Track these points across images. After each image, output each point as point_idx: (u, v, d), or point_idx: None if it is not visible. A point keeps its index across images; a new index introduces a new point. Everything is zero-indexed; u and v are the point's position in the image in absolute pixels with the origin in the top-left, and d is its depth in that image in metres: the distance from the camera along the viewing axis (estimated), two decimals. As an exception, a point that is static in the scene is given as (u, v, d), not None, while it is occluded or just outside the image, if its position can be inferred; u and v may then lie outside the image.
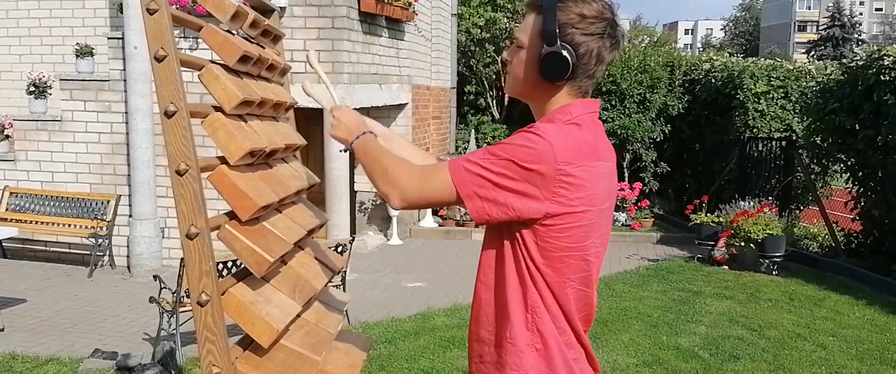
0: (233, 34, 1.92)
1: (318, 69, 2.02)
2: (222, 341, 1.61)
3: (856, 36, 58.76)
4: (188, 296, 4.69)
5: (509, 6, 12.54)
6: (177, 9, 1.69)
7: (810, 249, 8.37)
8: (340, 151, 1.86)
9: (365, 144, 1.75)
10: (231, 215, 1.74)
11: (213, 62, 1.80)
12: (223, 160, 1.74)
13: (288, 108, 2.24)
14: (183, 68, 1.62)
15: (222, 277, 1.86)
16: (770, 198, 8.64)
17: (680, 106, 10.34)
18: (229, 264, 4.45)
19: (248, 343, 1.80)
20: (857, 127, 7.26)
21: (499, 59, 12.49)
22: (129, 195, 7.29)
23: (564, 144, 1.54)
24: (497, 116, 13.56)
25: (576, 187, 1.56)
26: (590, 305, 1.71)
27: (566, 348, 1.65)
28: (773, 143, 9.16)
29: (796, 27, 79.18)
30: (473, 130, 12.27)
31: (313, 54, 2.05)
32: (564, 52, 1.58)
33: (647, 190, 10.38)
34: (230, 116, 1.78)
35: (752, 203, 8.10)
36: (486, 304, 1.70)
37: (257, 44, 2.11)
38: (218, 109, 1.76)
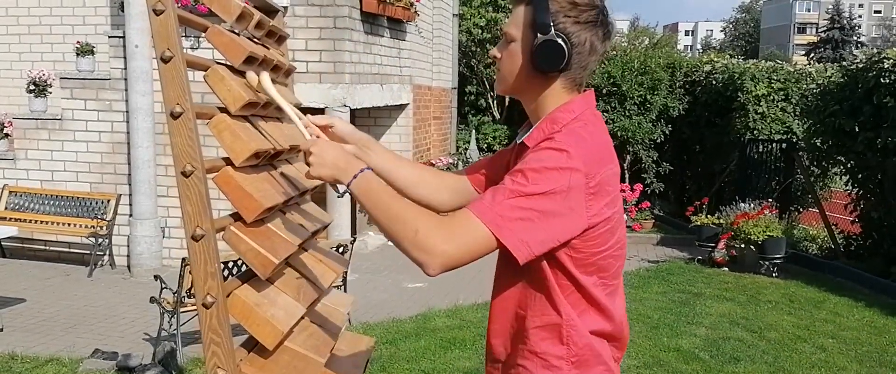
0: (238, 35, 1.92)
1: (275, 97, 1.74)
2: (227, 343, 1.60)
3: (855, 38, 58.89)
4: (189, 296, 4.70)
5: (511, 7, 12.56)
6: (180, 8, 1.69)
7: (810, 251, 8.38)
8: (338, 196, 1.63)
9: (370, 187, 1.52)
10: (236, 217, 1.74)
11: (218, 63, 1.79)
12: (228, 161, 1.73)
13: (292, 108, 2.23)
14: (187, 69, 1.61)
15: (226, 278, 1.85)
16: (770, 200, 8.64)
17: (680, 107, 10.34)
18: (230, 265, 4.46)
19: (252, 345, 1.80)
20: (857, 129, 7.27)
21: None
22: (130, 195, 7.28)
23: (586, 155, 1.49)
24: (498, 116, 13.57)
25: (602, 196, 1.52)
26: (622, 295, 1.68)
27: (605, 358, 1.60)
28: (774, 145, 9.17)
29: (796, 29, 79.31)
30: (474, 131, 12.28)
31: (266, 77, 1.77)
32: (559, 41, 1.52)
33: (649, 191, 10.38)
34: (235, 117, 1.77)
35: (752, 205, 8.10)
36: (508, 318, 1.63)
37: (262, 44, 2.10)
38: (223, 110, 1.76)
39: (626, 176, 10.38)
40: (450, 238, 1.43)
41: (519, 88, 1.63)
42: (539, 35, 1.53)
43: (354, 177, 1.54)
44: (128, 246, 7.32)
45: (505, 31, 1.63)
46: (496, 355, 1.68)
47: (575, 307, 1.57)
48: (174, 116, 1.56)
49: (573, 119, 1.57)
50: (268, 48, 2.15)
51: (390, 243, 1.51)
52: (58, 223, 7.37)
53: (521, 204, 1.44)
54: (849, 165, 7.83)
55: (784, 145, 9.05)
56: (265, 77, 1.79)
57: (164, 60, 1.55)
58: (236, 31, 1.94)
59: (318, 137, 1.71)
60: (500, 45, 1.64)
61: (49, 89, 7.58)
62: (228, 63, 1.82)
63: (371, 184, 1.53)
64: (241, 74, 1.86)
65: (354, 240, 5.58)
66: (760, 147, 9.29)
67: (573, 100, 1.60)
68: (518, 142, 1.68)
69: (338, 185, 1.58)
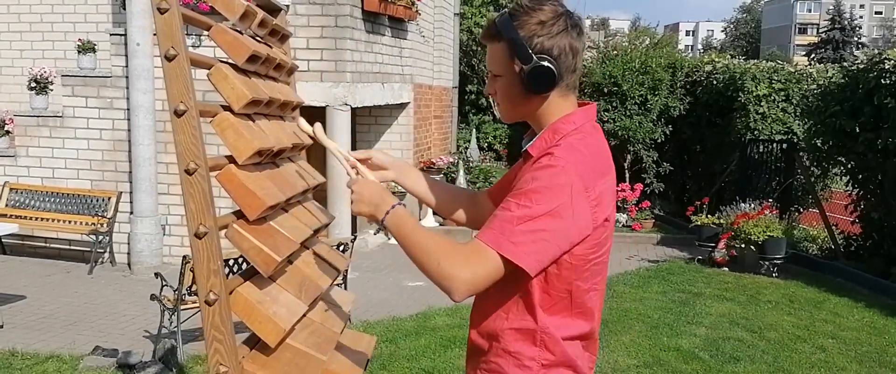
0: (241, 33, 1.92)
1: (327, 142, 1.83)
2: (230, 340, 1.61)
3: (856, 39, 58.90)
4: (189, 294, 4.71)
5: (511, 6, 12.56)
6: (181, 7, 1.69)
7: (810, 251, 8.38)
8: (374, 233, 1.77)
9: (399, 223, 1.62)
10: (239, 215, 1.75)
11: (221, 61, 1.80)
12: (231, 159, 1.74)
13: (295, 107, 2.24)
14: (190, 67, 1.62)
15: (228, 275, 1.86)
16: (770, 200, 8.65)
17: (681, 107, 10.35)
18: (230, 262, 4.46)
19: (254, 342, 1.81)
20: (858, 130, 7.27)
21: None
22: (131, 192, 7.29)
23: (583, 169, 1.55)
24: (498, 115, 13.57)
25: (603, 207, 1.58)
26: (602, 301, 1.74)
27: (579, 363, 1.65)
28: (774, 145, 9.17)
29: (797, 29, 79.33)
30: (475, 130, 12.28)
31: (319, 128, 1.86)
32: (544, 63, 1.57)
33: (649, 191, 10.39)
34: (239, 115, 1.77)
35: (752, 205, 8.10)
36: (489, 316, 1.67)
37: (265, 43, 2.11)
38: (226, 108, 1.76)
39: (627, 176, 10.38)
40: (467, 267, 1.52)
41: (522, 114, 1.69)
42: (523, 65, 1.58)
43: (387, 213, 1.63)
44: (128, 244, 7.32)
45: (488, 70, 1.68)
46: (474, 350, 1.74)
47: (557, 313, 1.61)
48: (178, 114, 1.57)
49: (573, 130, 1.62)
50: (271, 47, 2.16)
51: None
52: (58, 220, 7.38)
53: (530, 227, 1.51)
54: (849, 166, 7.84)
55: (784, 146, 9.05)
56: (319, 128, 1.87)
57: (169, 58, 1.56)
58: (239, 29, 1.94)
59: (359, 174, 1.79)
60: (489, 83, 1.70)
61: (50, 87, 7.59)
62: (232, 61, 1.82)
63: (402, 219, 1.62)
64: (245, 72, 1.87)
65: (355, 238, 5.59)
66: (761, 147, 9.30)
67: (575, 112, 1.65)
68: (523, 149, 1.72)
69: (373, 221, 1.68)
